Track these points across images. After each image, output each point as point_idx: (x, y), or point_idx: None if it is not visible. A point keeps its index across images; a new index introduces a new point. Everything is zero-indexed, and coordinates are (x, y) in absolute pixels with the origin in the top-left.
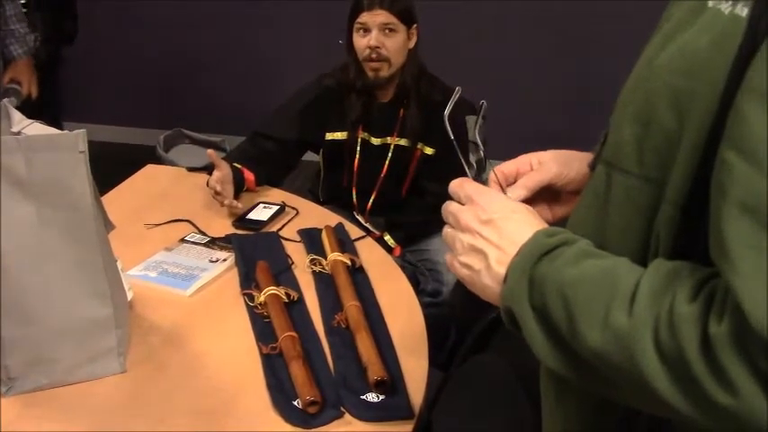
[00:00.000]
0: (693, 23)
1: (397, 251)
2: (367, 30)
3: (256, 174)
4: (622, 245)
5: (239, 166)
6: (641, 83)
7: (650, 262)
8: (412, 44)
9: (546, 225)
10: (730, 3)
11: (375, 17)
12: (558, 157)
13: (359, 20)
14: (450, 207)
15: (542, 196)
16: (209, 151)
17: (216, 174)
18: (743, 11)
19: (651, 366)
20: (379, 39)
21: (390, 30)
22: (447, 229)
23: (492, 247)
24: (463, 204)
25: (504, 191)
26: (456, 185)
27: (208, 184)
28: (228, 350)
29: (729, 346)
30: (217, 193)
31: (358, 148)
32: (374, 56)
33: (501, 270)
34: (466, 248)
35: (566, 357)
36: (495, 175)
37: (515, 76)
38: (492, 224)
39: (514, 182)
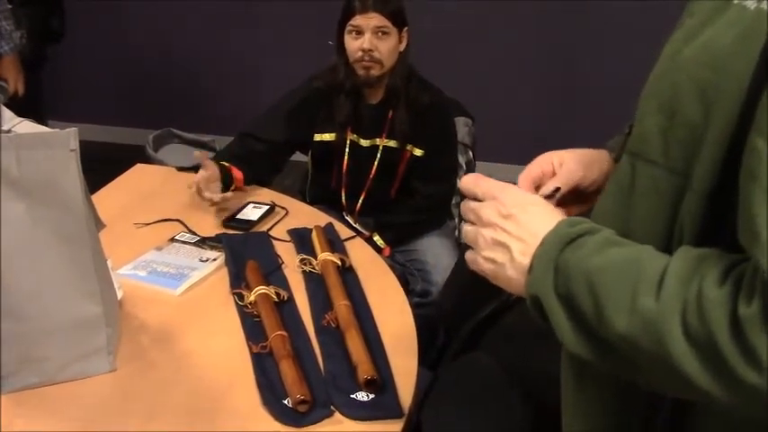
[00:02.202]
0: (718, 19)
1: (387, 251)
2: (360, 32)
3: (244, 173)
4: (647, 234)
5: (227, 164)
6: (665, 76)
7: (674, 250)
8: (403, 46)
9: (564, 216)
10: None
11: (369, 20)
12: (580, 159)
13: (352, 22)
14: (469, 204)
15: (563, 197)
16: (197, 153)
17: (201, 173)
18: None
19: (679, 349)
20: (373, 42)
21: (383, 33)
22: (467, 227)
23: (514, 240)
24: (480, 201)
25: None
26: (470, 183)
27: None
28: (218, 349)
29: (759, 325)
30: (199, 191)
31: (347, 150)
32: (366, 58)
33: (525, 261)
34: (489, 243)
35: (592, 344)
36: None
37: (505, 77)
38: (512, 218)
39: (541, 184)
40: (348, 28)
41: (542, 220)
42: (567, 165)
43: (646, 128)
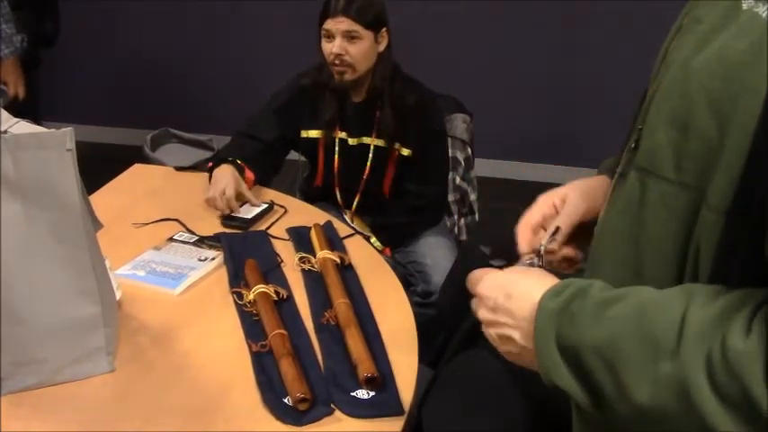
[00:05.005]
0: (729, 26)
1: (387, 251)
2: (331, 36)
3: (255, 174)
4: (659, 254)
5: (240, 162)
6: (676, 87)
7: (689, 267)
8: (382, 48)
9: (546, 282)
10: (767, 6)
11: (338, 24)
12: (582, 191)
13: (324, 26)
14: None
15: (572, 234)
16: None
17: (231, 191)
18: None
19: (711, 409)
20: (342, 46)
21: (353, 37)
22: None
23: (514, 330)
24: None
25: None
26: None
27: (211, 193)
28: (217, 348)
29: None
30: (223, 203)
31: (336, 149)
32: (337, 62)
33: (530, 345)
34: (497, 340)
35: (620, 413)
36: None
37: (504, 73)
38: (501, 310)
39: (544, 230)
40: (322, 31)
41: (527, 301)
42: (569, 201)
43: (656, 142)
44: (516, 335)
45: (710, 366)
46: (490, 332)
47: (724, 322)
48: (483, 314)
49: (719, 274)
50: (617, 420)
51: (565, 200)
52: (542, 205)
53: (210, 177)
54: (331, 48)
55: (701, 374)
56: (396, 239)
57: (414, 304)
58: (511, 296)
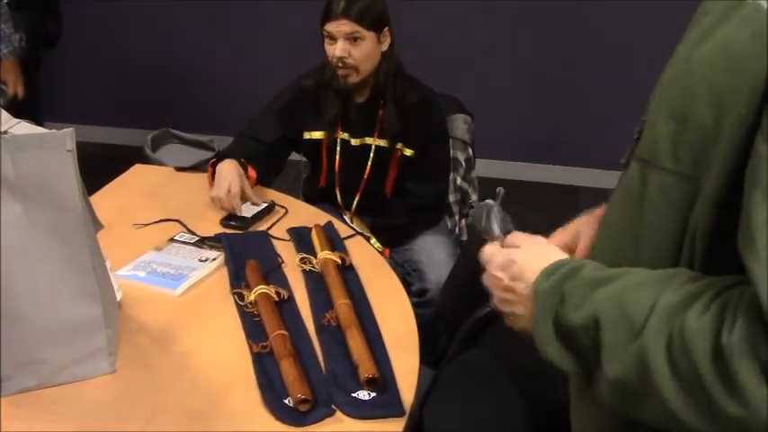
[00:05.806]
0: (732, 19)
1: (387, 253)
2: (333, 38)
3: (257, 173)
4: (657, 242)
5: (243, 161)
6: (677, 79)
7: (684, 256)
8: (385, 47)
9: (541, 261)
10: None
11: (339, 27)
12: (593, 221)
13: (326, 28)
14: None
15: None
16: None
17: (236, 189)
18: None
19: (667, 386)
20: (345, 48)
21: (356, 38)
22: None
23: (521, 308)
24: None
25: None
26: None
27: (215, 192)
28: (218, 349)
29: (740, 352)
30: (225, 201)
31: (338, 149)
32: (340, 65)
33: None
34: (511, 317)
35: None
36: None
37: (505, 73)
38: (509, 290)
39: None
40: (324, 33)
41: (525, 282)
42: (584, 234)
43: (657, 134)
44: (525, 312)
45: (670, 347)
46: (504, 309)
47: (688, 305)
48: (497, 293)
49: (713, 264)
50: (602, 397)
51: (578, 236)
52: (573, 233)
53: (213, 174)
54: (334, 50)
55: (661, 354)
56: (395, 240)
57: (411, 304)
58: (514, 277)
